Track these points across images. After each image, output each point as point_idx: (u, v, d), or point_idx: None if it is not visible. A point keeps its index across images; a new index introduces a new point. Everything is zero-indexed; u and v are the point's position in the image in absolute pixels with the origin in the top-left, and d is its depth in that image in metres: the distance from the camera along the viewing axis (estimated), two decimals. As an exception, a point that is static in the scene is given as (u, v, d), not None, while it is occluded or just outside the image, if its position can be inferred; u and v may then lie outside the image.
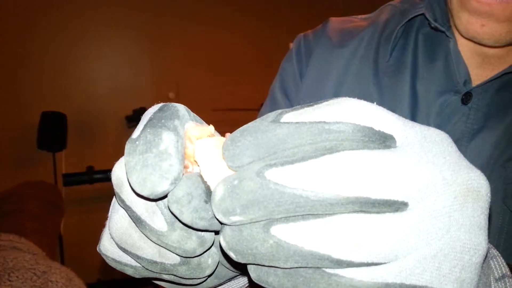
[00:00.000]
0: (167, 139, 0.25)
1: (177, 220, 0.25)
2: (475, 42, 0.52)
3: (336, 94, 0.62)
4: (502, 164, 0.53)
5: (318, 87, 0.64)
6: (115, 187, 0.28)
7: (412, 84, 0.58)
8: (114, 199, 0.30)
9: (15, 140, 2.49)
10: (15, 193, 1.76)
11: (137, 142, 0.25)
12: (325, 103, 0.23)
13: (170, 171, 0.24)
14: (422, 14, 0.58)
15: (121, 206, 0.28)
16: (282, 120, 0.22)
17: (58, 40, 2.51)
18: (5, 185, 1.88)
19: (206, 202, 0.25)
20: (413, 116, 0.57)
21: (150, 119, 0.26)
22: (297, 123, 0.21)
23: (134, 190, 0.25)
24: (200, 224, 0.24)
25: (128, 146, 0.26)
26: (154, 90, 2.76)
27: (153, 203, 0.26)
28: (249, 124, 0.23)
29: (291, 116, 0.22)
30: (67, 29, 2.54)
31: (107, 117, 2.63)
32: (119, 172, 0.28)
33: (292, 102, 0.67)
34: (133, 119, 2.54)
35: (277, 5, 2.81)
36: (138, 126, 0.27)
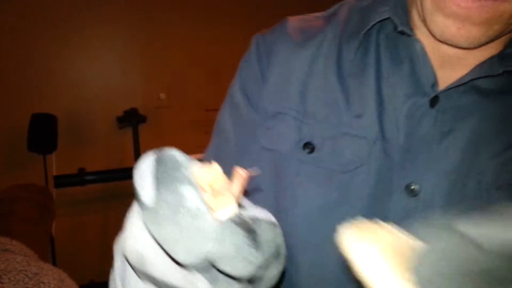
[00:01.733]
0: (188, 193, 0.24)
1: (220, 274, 0.25)
2: (442, 43, 0.53)
3: (303, 98, 0.59)
4: (475, 174, 0.53)
5: (283, 91, 0.60)
6: (134, 264, 0.26)
7: (377, 87, 0.57)
8: (114, 275, 0.29)
9: (5, 142, 2.48)
10: (5, 196, 1.74)
11: (159, 210, 0.24)
12: None
13: (209, 228, 0.23)
14: (387, 18, 0.57)
15: (147, 281, 0.26)
16: None
17: (47, 40, 2.49)
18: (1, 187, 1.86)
19: (250, 246, 0.24)
20: (381, 120, 0.55)
21: (157, 178, 0.25)
22: None
23: (174, 260, 0.24)
24: (250, 270, 0.24)
25: (148, 216, 0.24)
26: (145, 91, 2.76)
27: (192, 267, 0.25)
28: None
29: None
30: (56, 29, 2.52)
31: (98, 118, 2.62)
32: (135, 247, 0.26)
33: (253, 104, 0.63)
34: (124, 120, 2.53)
35: (270, 5, 2.82)
36: (141, 186, 0.25)
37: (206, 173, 0.26)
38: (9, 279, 0.93)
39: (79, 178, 2.34)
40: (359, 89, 0.57)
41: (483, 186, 0.54)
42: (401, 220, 0.54)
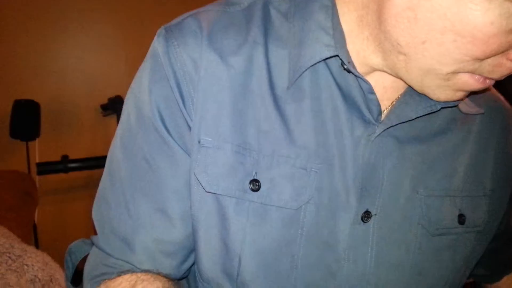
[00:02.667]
0: None
1: None
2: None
3: (241, 128, 0.53)
4: (414, 191, 0.57)
5: (217, 120, 0.53)
6: None
7: (317, 115, 0.54)
8: None
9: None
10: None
11: None
12: None
13: None
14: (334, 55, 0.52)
15: None
16: None
17: (30, 27, 2.45)
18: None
19: None
20: (325, 150, 0.54)
21: None
22: None
23: None
24: None
25: None
26: (129, 79, 2.73)
27: None
28: None
29: None
30: (40, 15, 2.48)
31: (82, 106, 2.60)
32: None
33: (176, 136, 0.54)
34: (108, 108, 2.51)
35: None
36: None
37: None
38: (-8, 261, 0.93)
39: (62, 165, 2.32)
40: (297, 117, 0.53)
41: (424, 218, 0.58)
42: (355, 248, 0.56)
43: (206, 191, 0.53)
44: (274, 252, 0.54)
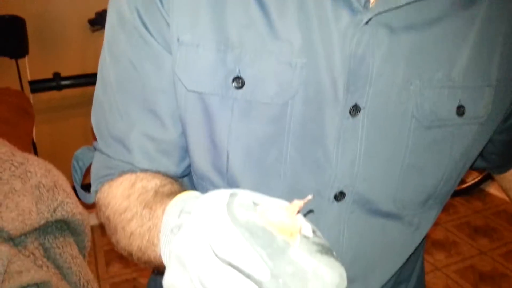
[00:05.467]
0: (299, 257, 0.27)
1: None
2: None
3: (221, 24, 0.51)
4: (408, 82, 0.55)
5: (195, 18, 0.51)
6: None
7: (301, 4, 0.51)
8: None
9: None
10: (-18, 99, 1.73)
11: (280, 281, 0.27)
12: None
13: (331, 277, 0.28)
14: None
15: None
16: None
17: None
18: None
19: (341, 265, 0.29)
20: (309, 42, 0.51)
21: (261, 253, 0.27)
22: None
23: None
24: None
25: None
26: (116, -9, 2.61)
27: None
28: None
29: None
30: None
31: (69, 21, 2.51)
32: None
33: (156, 35, 0.54)
34: (96, 23, 2.43)
35: None
36: (246, 263, 0.27)
37: (279, 218, 0.29)
38: (-5, 168, 0.96)
39: (55, 82, 2.30)
40: (280, 10, 0.50)
41: (416, 112, 0.55)
42: (343, 142, 0.55)
43: (188, 90, 0.54)
44: (261, 148, 0.55)
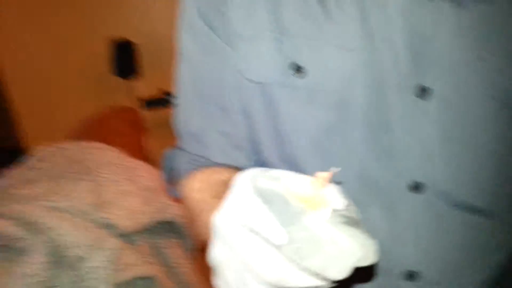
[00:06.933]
0: (315, 224, 0.28)
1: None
2: None
3: (276, 14, 0.51)
4: (481, 59, 0.49)
5: (252, 9, 0.52)
6: (274, 284, 0.30)
7: None
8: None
9: (89, 68, 2.68)
10: (101, 115, 1.93)
11: (296, 245, 0.27)
12: None
13: (350, 245, 0.28)
14: None
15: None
16: None
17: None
18: (89, 113, 2.06)
19: (369, 238, 0.30)
20: (368, 23, 0.49)
21: (278, 218, 0.28)
22: None
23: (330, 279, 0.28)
24: (377, 257, 0.30)
25: (289, 252, 0.27)
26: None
27: None
28: None
29: None
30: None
31: (175, 41, 2.69)
32: (275, 274, 0.29)
33: (218, 32, 0.56)
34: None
35: None
36: (265, 228, 0.28)
37: (301, 188, 0.31)
38: (108, 170, 1.05)
39: (165, 100, 2.48)
40: (341, 3, 0.50)
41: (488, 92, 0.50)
42: (413, 128, 0.51)
43: (249, 81, 0.54)
44: (325, 136, 0.53)
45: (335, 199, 0.33)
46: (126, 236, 0.94)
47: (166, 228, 1.13)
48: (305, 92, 0.52)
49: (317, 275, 0.28)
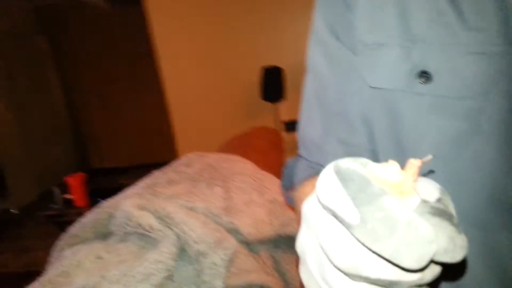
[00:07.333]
0: (393, 206, 0.26)
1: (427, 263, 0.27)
2: None
3: (404, 20, 0.49)
4: None
5: (379, 17, 0.51)
6: (347, 271, 0.28)
7: None
8: (309, 269, 0.32)
9: (241, 94, 2.90)
10: (245, 133, 2.07)
11: (369, 226, 0.26)
12: None
13: (430, 232, 0.25)
14: None
15: (358, 280, 0.29)
16: None
17: (267, 2, 2.75)
18: (237, 132, 2.23)
19: (458, 232, 0.27)
20: (508, 27, 0.44)
21: (353, 197, 0.27)
22: None
23: (404, 268, 0.26)
24: (464, 253, 0.27)
25: (361, 233, 0.26)
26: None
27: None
28: None
29: None
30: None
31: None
32: (349, 259, 0.28)
33: (344, 40, 0.56)
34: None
35: None
36: (340, 207, 0.27)
37: (387, 174, 0.29)
38: (240, 179, 1.11)
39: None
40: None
41: None
42: None
43: (373, 88, 0.53)
44: (452, 147, 0.49)
45: (426, 189, 0.30)
46: (248, 244, 0.98)
47: (288, 243, 1.14)
48: (431, 100, 0.50)
49: (389, 262, 0.26)
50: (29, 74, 5.47)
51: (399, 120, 0.53)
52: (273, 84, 2.65)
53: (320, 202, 0.29)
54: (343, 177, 0.28)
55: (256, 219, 1.05)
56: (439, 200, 0.30)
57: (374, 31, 0.52)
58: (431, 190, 0.31)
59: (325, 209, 0.29)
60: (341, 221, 0.27)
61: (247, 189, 1.09)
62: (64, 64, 5.93)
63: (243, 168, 1.18)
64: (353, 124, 0.59)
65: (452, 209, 0.30)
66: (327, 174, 0.29)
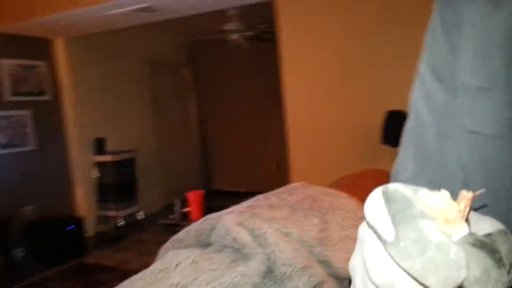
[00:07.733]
0: (428, 228, 0.26)
1: None
2: None
3: (510, 68, 0.47)
4: None
5: (483, 61, 0.50)
6: (383, 287, 0.29)
7: None
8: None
9: (360, 136, 2.86)
10: (356, 173, 2.05)
11: (402, 244, 0.26)
12: None
13: (460, 258, 0.26)
14: None
15: None
16: None
17: (388, 48, 2.71)
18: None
19: (497, 267, 0.27)
20: None
21: (392, 215, 0.28)
22: None
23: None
24: None
25: (395, 251, 0.27)
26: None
27: None
28: None
29: None
30: (402, 32, 2.70)
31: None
32: (384, 276, 0.29)
33: (445, 82, 0.55)
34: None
35: None
36: (380, 224, 0.29)
37: (435, 201, 0.30)
38: (339, 214, 1.12)
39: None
40: None
41: None
42: None
43: (470, 132, 0.52)
44: None
45: (483, 225, 0.30)
46: (337, 278, 0.97)
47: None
48: None
49: (418, 282, 0.26)
50: (172, 99, 6.15)
51: (490, 164, 0.52)
52: (396, 128, 2.58)
53: (365, 220, 0.31)
54: (389, 197, 0.29)
55: (350, 255, 1.03)
56: (488, 235, 0.29)
57: (477, 75, 0.51)
58: (487, 226, 0.30)
59: (369, 227, 0.31)
60: (379, 237, 0.29)
61: (345, 225, 1.08)
62: (203, 93, 6.54)
63: (345, 204, 1.18)
64: (448, 167, 0.58)
65: (501, 246, 0.29)
66: (375, 194, 0.30)
